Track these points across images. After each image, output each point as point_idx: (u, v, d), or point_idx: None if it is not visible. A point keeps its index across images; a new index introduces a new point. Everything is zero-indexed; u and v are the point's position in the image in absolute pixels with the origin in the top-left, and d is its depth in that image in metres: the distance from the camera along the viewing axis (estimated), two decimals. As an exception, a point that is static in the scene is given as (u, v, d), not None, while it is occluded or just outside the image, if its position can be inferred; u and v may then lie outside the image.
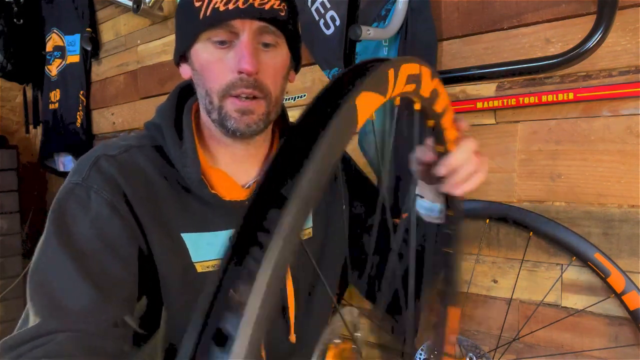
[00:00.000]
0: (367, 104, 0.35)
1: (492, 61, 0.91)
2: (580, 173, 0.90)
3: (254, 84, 0.64)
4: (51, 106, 2.21)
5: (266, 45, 0.66)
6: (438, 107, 0.53)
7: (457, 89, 1.04)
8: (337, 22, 1.19)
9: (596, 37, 0.74)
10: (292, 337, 0.75)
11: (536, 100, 0.92)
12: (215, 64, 0.65)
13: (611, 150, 0.86)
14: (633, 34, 0.83)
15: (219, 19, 0.62)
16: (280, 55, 0.68)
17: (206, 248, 0.70)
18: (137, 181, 0.66)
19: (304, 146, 0.30)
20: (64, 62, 2.16)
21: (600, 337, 0.89)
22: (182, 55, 0.71)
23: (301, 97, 1.35)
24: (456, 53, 1.04)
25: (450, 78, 0.92)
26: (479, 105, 0.99)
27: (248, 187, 0.74)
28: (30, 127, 2.42)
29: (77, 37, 2.08)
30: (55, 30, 2.17)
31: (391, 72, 0.40)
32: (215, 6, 0.61)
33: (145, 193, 0.66)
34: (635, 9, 0.83)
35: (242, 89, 0.64)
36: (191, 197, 0.69)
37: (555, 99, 0.90)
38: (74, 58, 2.12)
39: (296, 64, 0.75)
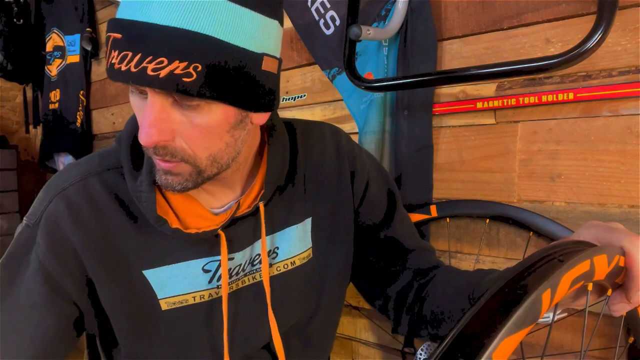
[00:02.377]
0: (509, 348, 0.30)
1: (492, 61, 0.91)
2: (580, 173, 0.90)
3: (163, 152, 0.53)
4: (51, 106, 2.21)
5: (183, 106, 0.52)
6: (620, 279, 0.47)
7: (457, 89, 1.04)
8: (337, 22, 1.19)
9: (596, 37, 0.74)
10: None
11: (536, 100, 0.92)
12: (137, 113, 0.55)
13: (611, 150, 0.86)
14: (633, 34, 0.83)
15: (114, 77, 0.51)
16: (205, 116, 0.53)
17: (174, 282, 0.64)
18: (88, 222, 0.61)
19: None
20: (64, 62, 2.16)
21: (600, 337, 0.89)
22: None
23: (301, 97, 1.35)
24: (456, 53, 1.04)
25: (450, 78, 0.92)
26: (479, 105, 0.99)
27: (225, 210, 0.66)
28: (30, 127, 2.42)
29: (77, 37, 2.08)
30: (55, 30, 2.17)
31: (547, 294, 0.33)
32: (112, 61, 0.50)
33: (98, 235, 0.61)
34: (635, 9, 0.83)
35: (154, 155, 0.54)
36: (154, 229, 0.62)
37: (555, 99, 0.90)
38: (74, 58, 2.12)
39: (262, 105, 0.57)
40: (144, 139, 0.51)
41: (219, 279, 0.66)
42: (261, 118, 0.60)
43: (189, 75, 0.48)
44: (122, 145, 0.63)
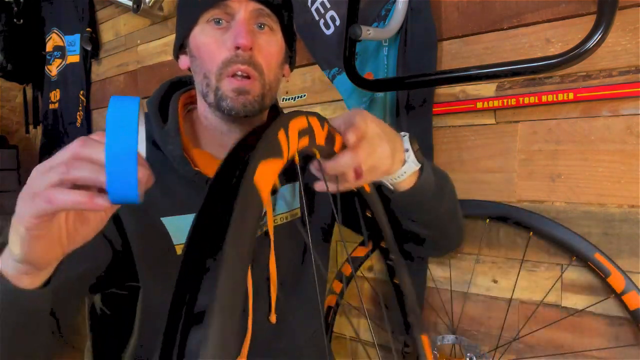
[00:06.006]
0: (266, 175, 0.35)
1: (492, 61, 0.91)
2: (580, 173, 0.90)
3: (249, 61, 0.66)
4: (51, 106, 2.21)
5: (261, 27, 0.69)
6: (336, 148, 0.55)
7: (457, 89, 1.04)
8: (337, 22, 1.19)
9: (596, 37, 0.74)
10: (273, 318, 0.76)
11: (536, 100, 0.92)
12: (212, 44, 0.67)
13: (611, 150, 0.86)
14: (633, 34, 0.83)
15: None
16: (274, 39, 0.71)
17: (188, 230, 0.71)
18: None
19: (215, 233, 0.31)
20: (64, 62, 2.16)
21: (600, 337, 0.89)
22: (180, 47, 0.74)
23: (301, 97, 1.35)
24: (456, 53, 1.04)
25: (450, 78, 0.92)
26: (479, 105, 0.99)
27: None
28: (30, 127, 2.42)
29: (77, 37, 2.08)
30: (55, 30, 2.17)
31: (281, 133, 0.40)
32: None
33: None
34: (635, 9, 0.83)
35: (238, 65, 0.66)
36: (174, 178, 0.70)
37: (555, 99, 0.90)
38: (74, 58, 2.12)
39: (291, 60, 0.78)
40: (243, 41, 0.65)
41: None
42: (287, 71, 0.78)
43: None
44: (152, 105, 0.75)
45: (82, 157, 0.40)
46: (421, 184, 0.68)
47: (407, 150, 0.64)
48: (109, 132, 0.39)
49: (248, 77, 0.67)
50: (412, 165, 0.65)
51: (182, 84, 0.80)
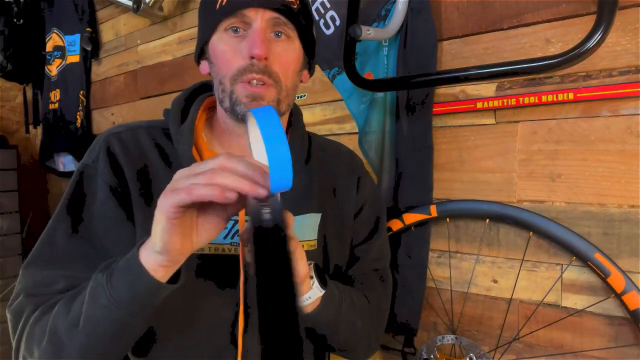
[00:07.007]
0: None
1: (492, 61, 0.91)
2: (580, 173, 0.90)
3: (263, 70, 0.67)
4: (51, 106, 2.21)
5: (278, 35, 0.69)
6: None
7: (457, 89, 1.04)
8: (337, 22, 1.19)
9: (596, 37, 0.74)
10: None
11: (536, 100, 0.92)
12: (229, 52, 0.69)
13: (611, 150, 0.86)
14: (633, 34, 0.83)
15: (233, 8, 0.67)
16: (291, 47, 0.71)
17: None
18: (135, 159, 0.73)
19: None
20: (64, 62, 2.16)
21: (600, 337, 0.89)
22: (201, 53, 0.76)
23: (301, 97, 1.35)
24: (456, 53, 1.04)
25: (450, 78, 0.92)
26: (479, 105, 0.99)
27: None
28: (30, 127, 2.42)
29: (77, 37, 2.08)
30: (55, 30, 2.17)
31: None
32: None
33: (141, 171, 0.72)
34: (635, 9, 0.83)
35: (252, 75, 0.67)
36: None
37: (555, 99, 0.90)
38: (74, 58, 2.12)
39: (310, 65, 0.79)
40: (258, 51, 0.65)
41: (234, 236, 0.74)
42: (306, 77, 0.79)
43: (294, 3, 0.69)
44: (176, 104, 0.77)
45: (227, 167, 0.49)
46: (320, 311, 0.71)
47: (311, 277, 0.69)
48: (266, 136, 0.47)
49: (263, 83, 0.68)
50: (316, 291, 0.69)
51: (208, 87, 0.82)
